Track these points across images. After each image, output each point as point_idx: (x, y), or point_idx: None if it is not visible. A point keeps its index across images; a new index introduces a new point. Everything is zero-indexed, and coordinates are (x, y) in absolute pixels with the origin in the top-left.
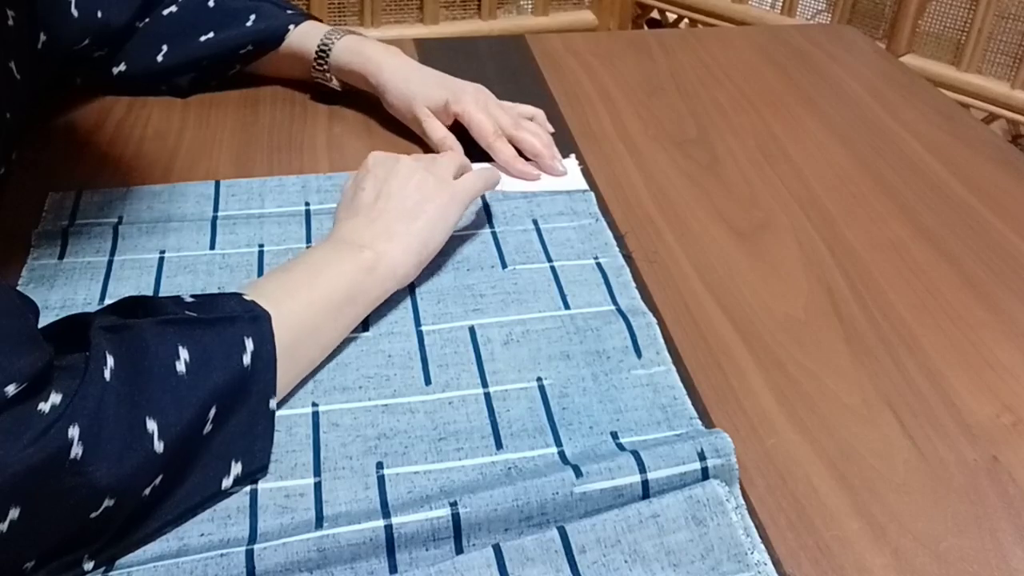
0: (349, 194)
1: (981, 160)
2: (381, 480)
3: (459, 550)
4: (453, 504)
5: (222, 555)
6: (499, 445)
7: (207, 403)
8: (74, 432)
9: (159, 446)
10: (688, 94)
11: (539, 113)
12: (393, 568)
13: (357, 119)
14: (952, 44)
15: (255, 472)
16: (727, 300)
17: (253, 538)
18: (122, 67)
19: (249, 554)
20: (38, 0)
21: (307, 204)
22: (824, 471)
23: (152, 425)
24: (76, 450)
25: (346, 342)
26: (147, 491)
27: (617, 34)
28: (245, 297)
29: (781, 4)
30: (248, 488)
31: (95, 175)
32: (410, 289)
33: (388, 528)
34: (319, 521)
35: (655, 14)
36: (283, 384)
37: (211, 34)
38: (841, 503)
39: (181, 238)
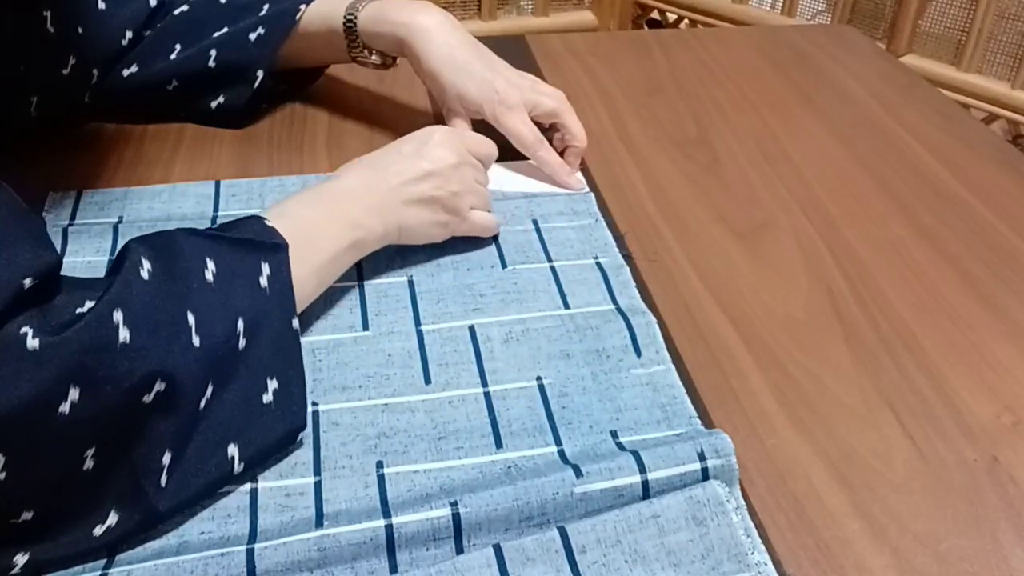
0: (393, 145)
1: (981, 160)
2: (381, 479)
3: (459, 550)
4: (453, 504)
5: (222, 554)
6: (499, 444)
7: (235, 315)
8: (118, 317)
9: (196, 340)
10: (688, 94)
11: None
12: (394, 568)
13: (357, 119)
14: (952, 44)
15: (291, 389)
16: (727, 300)
17: (253, 537)
18: (133, 68)
19: (249, 553)
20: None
21: None
22: (824, 471)
23: (191, 319)
24: (123, 334)
25: (346, 341)
26: (201, 402)
27: (617, 34)
28: (267, 223)
29: (781, 4)
30: (248, 487)
31: (95, 175)
32: (410, 288)
33: (388, 528)
34: (319, 520)
35: (655, 14)
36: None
37: (224, 29)
38: (841, 503)
39: None
